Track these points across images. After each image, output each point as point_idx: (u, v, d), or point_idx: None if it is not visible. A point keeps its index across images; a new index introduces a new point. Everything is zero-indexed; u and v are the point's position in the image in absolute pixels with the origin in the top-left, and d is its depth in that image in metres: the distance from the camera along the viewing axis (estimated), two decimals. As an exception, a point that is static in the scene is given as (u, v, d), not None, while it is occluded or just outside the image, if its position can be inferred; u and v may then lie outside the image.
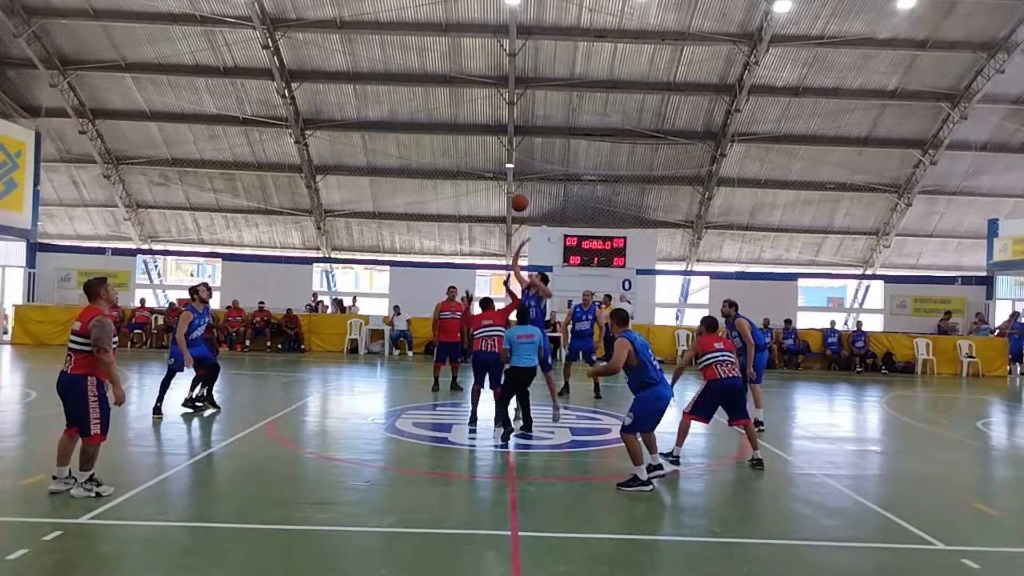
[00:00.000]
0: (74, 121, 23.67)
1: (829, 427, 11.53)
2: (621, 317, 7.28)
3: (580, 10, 20.47)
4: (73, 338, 5.97)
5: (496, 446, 8.31)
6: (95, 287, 6.31)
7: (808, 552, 5.35)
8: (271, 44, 21.09)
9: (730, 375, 7.66)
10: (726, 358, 7.73)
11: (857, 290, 26.87)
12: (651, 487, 6.67)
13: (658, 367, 7.01)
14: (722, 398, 7.70)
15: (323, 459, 7.86)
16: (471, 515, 6.06)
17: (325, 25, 21.09)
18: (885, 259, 26.41)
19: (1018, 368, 20.25)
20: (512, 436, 8.53)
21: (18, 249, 22.61)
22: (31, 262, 22.21)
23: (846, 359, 20.08)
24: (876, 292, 25.22)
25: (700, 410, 7.74)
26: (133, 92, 23.52)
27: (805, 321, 22.96)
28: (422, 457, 8.10)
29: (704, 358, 7.83)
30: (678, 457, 7.72)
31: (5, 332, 20.42)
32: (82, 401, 5.88)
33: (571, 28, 21.08)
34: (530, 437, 8.85)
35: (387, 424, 9.59)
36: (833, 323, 21.28)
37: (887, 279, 24.91)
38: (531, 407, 9.13)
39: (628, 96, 23.04)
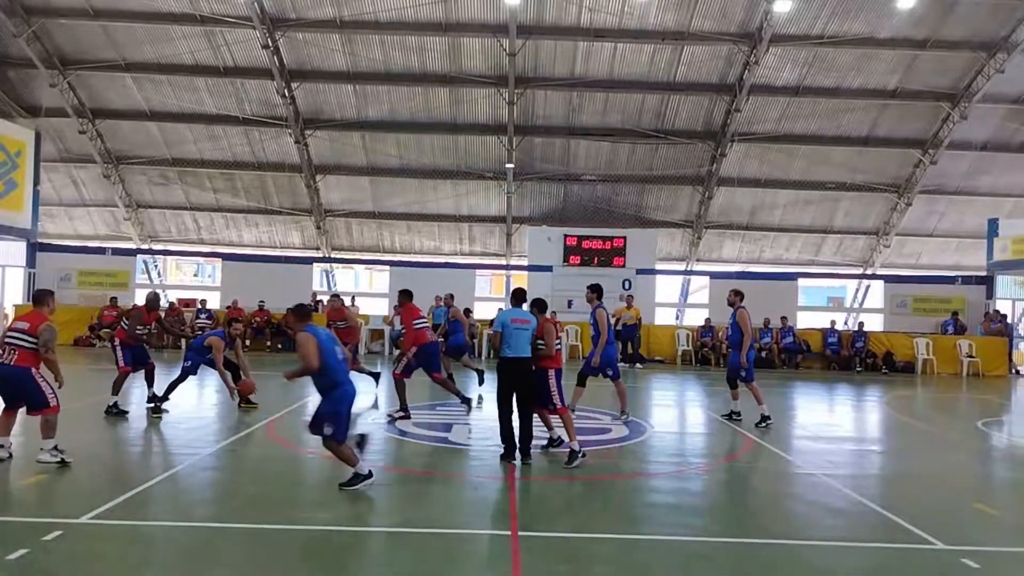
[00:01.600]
0: (74, 121, 23.66)
1: (829, 427, 11.53)
2: (302, 312, 6.57)
3: (580, 10, 20.46)
4: (20, 336, 6.91)
5: (503, 457, 7.61)
6: (44, 297, 7.38)
7: (808, 551, 5.35)
8: (271, 44, 21.08)
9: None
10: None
11: (857, 290, 26.87)
12: (372, 478, 6.39)
13: (344, 364, 6.46)
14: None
15: (323, 459, 7.86)
16: (471, 515, 6.06)
17: (325, 25, 21.08)
18: (885, 259, 26.40)
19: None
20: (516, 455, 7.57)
21: (18, 249, 22.59)
22: (31, 262, 22.20)
23: (846, 359, 20.07)
24: (876, 292, 25.21)
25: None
26: (133, 92, 23.51)
27: (805, 321, 22.98)
28: (422, 457, 8.10)
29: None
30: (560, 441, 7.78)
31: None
32: (34, 386, 6.93)
33: (571, 28, 21.07)
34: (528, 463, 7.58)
35: (387, 424, 9.59)
36: (833, 323, 21.28)
37: (887, 279, 24.90)
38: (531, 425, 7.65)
39: (628, 96, 23.03)
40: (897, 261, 26.72)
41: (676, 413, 12.69)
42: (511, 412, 7.53)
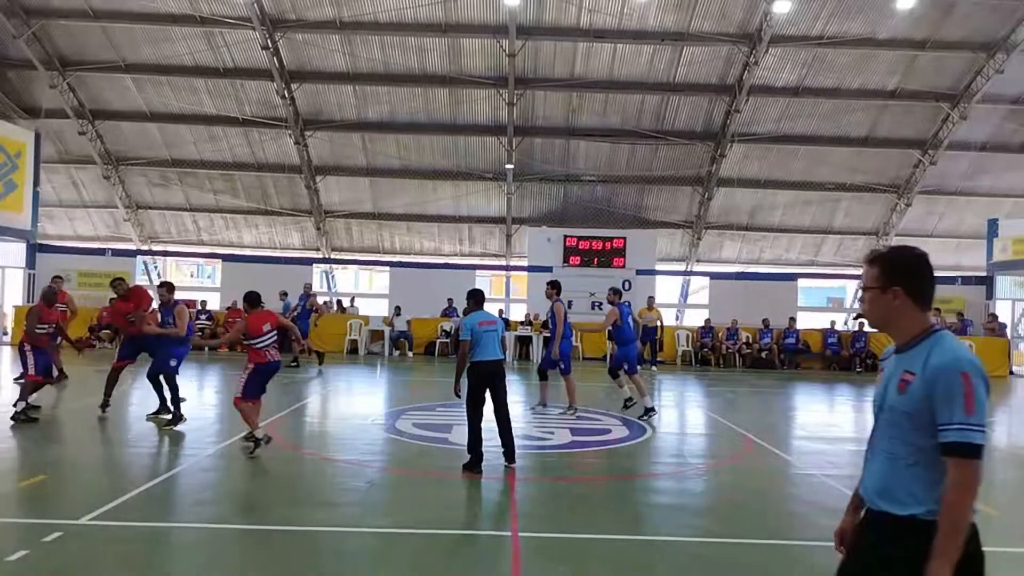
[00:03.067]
0: (74, 122, 23.66)
1: (829, 427, 11.53)
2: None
3: (579, 11, 20.47)
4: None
5: (468, 467, 7.14)
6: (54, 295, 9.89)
7: (808, 552, 5.35)
8: (271, 45, 21.08)
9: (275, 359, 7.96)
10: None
11: (857, 290, 26.87)
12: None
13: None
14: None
15: (324, 460, 7.86)
16: (472, 516, 6.06)
17: (325, 26, 21.09)
18: (885, 259, 26.37)
19: None
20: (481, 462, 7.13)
21: (18, 250, 22.61)
22: (31, 263, 22.21)
23: (846, 359, 20.08)
24: (876, 292, 25.16)
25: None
26: (133, 93, 23.51)
27: (805, 322, 22.97)
28: (423, 458, 8.09)
29: (254, 341, 7.94)
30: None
31: (5, 333, 20.41)
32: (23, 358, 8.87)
33: (570, 29, 21.08)
34: (513, 463, 7.31)
35: (387, 425, 9.59)
36: (833, 323, 21.28)
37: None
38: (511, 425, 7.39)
39: (628, 97, 23.04)
40: (897, 262, 26.68)
41: (676, 414, 12.68)
42: (482, 418, 7.15)
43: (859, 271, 27.03)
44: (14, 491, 6.33)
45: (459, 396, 7.35)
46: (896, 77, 22.10)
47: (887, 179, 24.82)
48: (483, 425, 7.20)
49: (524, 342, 20.53)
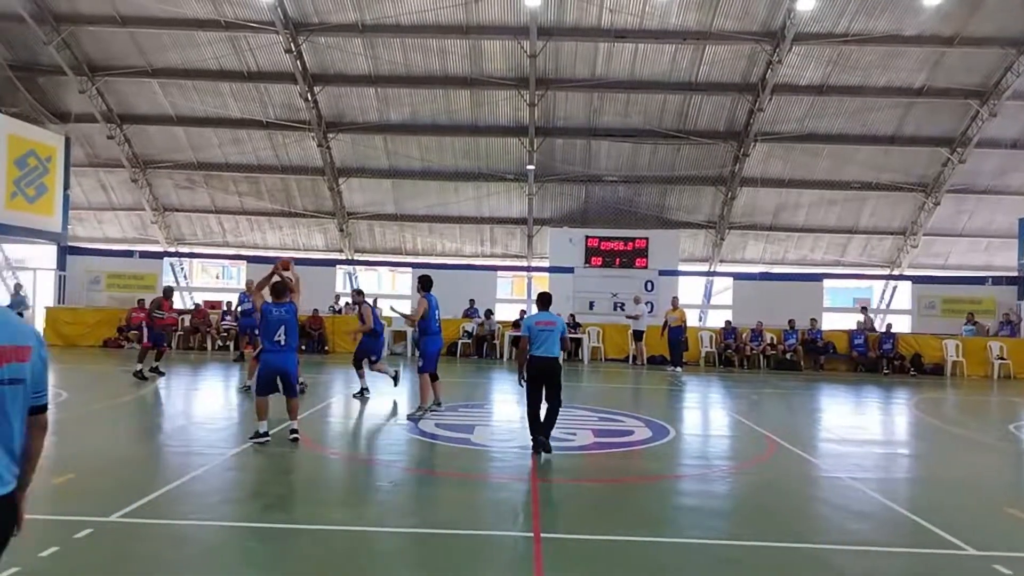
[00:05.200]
0: (102, 126, 24.09)
1: (856, 429, 11.37)
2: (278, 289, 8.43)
3: (600, 11, 20.41)
4: None
5: (529, 449, 7.96)
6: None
7: (834, 556, 5.28)
8: (294, 48, 21.30)
9: None
10: None
11: (884, 291, 26.49)
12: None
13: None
14: None
15: (347, 459, 7.92)
16: (494, 516, 6.06)
17: (347, 29, 21.25)
18: (913, 259, 26.00)
19: None
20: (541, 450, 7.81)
21: (49, 252, 23.07)
22: (61, 265, 22.64)
23: (873, 360, 19.79)
24: (904, 293, 24.83)
25: None
26: (159, 97, 23.87)
27: (831, 322, 22.70)
28: (445, 458, 8.12)
29: None
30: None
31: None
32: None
33: (591, 29, 21.03)
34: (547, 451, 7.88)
35: (410, 425, 9.63)
36: (859, 324, 20.98)
37: (915, 279, 24.52)
38: (556, 417, 8.06)
39: (649, 96, 22.93)
40: (925, 261, 26.29)
41: (699, 415, 12.59)
42: (539, 407, 7.91)
43: (886, 271, 26.72)
44: (46, 488, 6.45)
45: (522, 385, 8.10)
46: (923, 74, 21.75)
47: (915, 178, 24.44)
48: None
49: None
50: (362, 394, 11.64)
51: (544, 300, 8.46)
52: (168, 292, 14.95)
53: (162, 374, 13.50)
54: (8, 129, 20.69)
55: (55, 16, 21.37)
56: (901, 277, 25.63)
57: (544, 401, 7.99)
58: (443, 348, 11.27)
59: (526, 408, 8.05)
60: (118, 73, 22.97)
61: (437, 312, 10.34)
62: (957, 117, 22.90)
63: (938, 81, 21.79)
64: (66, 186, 22.89)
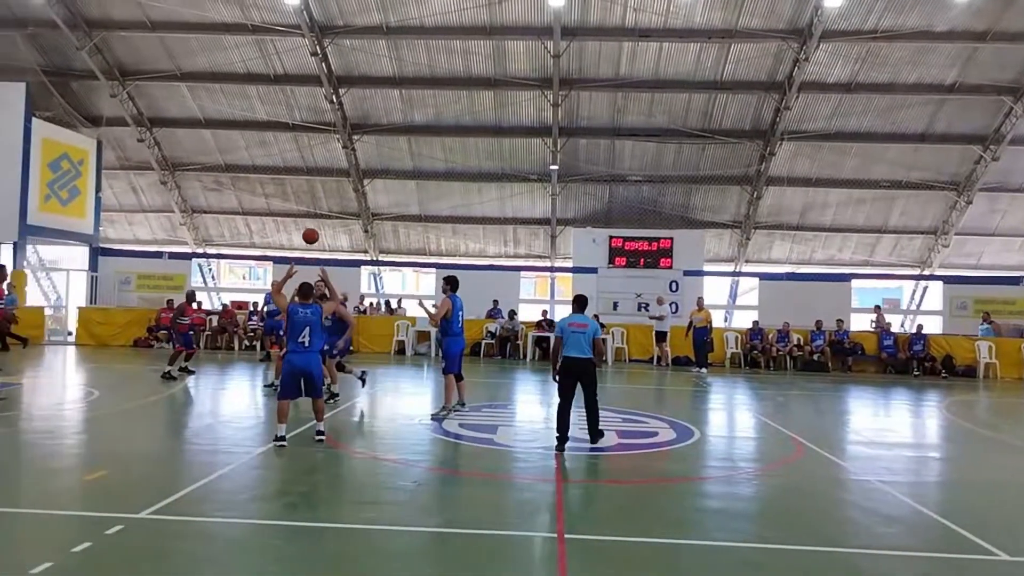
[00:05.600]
0: (133, 129, 24.54)
1: (885, 432, 11.20)
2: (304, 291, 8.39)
3: (624, 10, 20.33)
4: None
5: (552, 449, 8.07)
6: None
7: (863, 560, 5.20)
8: (319, 51, 21.51)
9: None
10: None
11: (914, 291, 26.04)
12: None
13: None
14: None
15: (372, 459, 7.98)
16: (517, 517, 6.06)
17: (372, 31, 21.41)
18: (944, 259, 25.53)
19: None
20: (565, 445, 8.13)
21: (81, 253, 23.56)
22: (93, 266, 23.10)
23: (903, 362, 19.45)
24: (935, 293, 24.39)
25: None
26: (188, 100, 24.26)
27: (860, 323, 22.36)
28: (469, 458, 8.14)
29: None
30: None
31: (70, 334, 21.24)
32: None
33: (615, 28, 20.96)
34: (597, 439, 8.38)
35: (434, 425, 9.67)
36: (889, 324, 20.63)
37: (946, 280, 24.07)
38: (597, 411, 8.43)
39: (674, 95, 22.80)
40: (957, 261, 25.81)
41: (724, 417, 12.48)
42: (569, 406, 8.17)
43: (916, 271, 26.23)
44: (79, 485, 6.59)
45: (556, 381, 8.37)
46: (955, 70, 21.36)
47: (946, 176, 24.01)
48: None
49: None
50: (362, 378, 11.59)
51: (579, 302, 8.72)
52: (191, 297, 15.23)
53: (192, 373, 13.75)
54: (42, 133, 21.18)
55: (87, 22, 21.81)
56: (932, 277, 25.18)
57: (584, 400, 8.29)
58: (466, 349, 11.24)
59: (558, 405, 8.26)
60: (148, 77, 23.39)
61: (461, 314, 10.37)
62: (990, 114, 22.45)
63: (970, 77, 21.38)
64: (98, 188, 23.40)
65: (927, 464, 8.94)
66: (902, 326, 23.68)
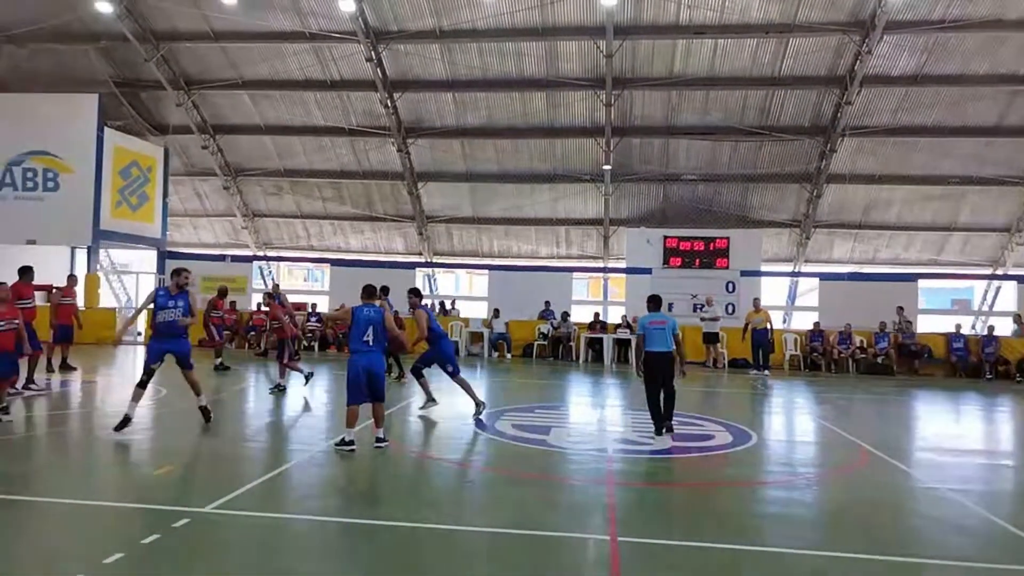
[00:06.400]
0: (197, 137, 25.42)
1: (955, 438, 10.74)
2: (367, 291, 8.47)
3: (678, 7, 20.05)
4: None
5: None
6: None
7: (931, 571, 5.01)
8: (374, 57, 21.87)
9: None
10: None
11: (986, 291, 24.91)
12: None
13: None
14: None
15: (426, 458, 8.07)
16: (570, 518, 6.04)
17: (425, 36, 21.66)
18: (1019, 258, 24.34)
19: None
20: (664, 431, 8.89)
21: (150, 257, 24.55)
22: (161, 268, 24.02)
23: (975, 365, 18.64)
24: (1008, 293, 23.28)
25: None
26: (249, 108, 24.99)
27: (928, 325, 21.53)
28: (521, 459, 8.15)
29: None
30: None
31: (139, 334, 22.11)
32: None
33: (669, 26, 20.68)
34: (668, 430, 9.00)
35: (487, 425, 9.72)
36: (959, 327, 19.79)
37: (1021, 279, 22.95)
38: (673, 402, 9.10)
39: (730, 93, 22.36)
40: (1033, 260, 24.59)
41: (783, 420, 12.18)
42: (658, 395, 8.97)
43: (988, 270, 25.09)
44: (148, 479, 6.87)
45: (640, 376, 9.21)
46: (1030, 60, 20.35)
47: (1020, 171, 22.89)
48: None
49: (623, 345, 20.19)
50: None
51: (655, 301, 9.44)
52: (223, 292, 16.61)
53: (227, 368, 14.80)
54: (114, 141, 22.18)
55: (155, 34, 22.69)
56: (1005, 277, 24.04)
57: (662, 390, 8.99)
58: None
59: (647, 398, 9.09)
60: (211, 86, 24.18)
61: (434, 314, 11.25)
62: (1069, 105, 21.32)
63: (1046, 67, 20.34)
64: (165, 194, 24.36)
65: (1000, 472, 8.54)
66: (973, 328, 22.65)
